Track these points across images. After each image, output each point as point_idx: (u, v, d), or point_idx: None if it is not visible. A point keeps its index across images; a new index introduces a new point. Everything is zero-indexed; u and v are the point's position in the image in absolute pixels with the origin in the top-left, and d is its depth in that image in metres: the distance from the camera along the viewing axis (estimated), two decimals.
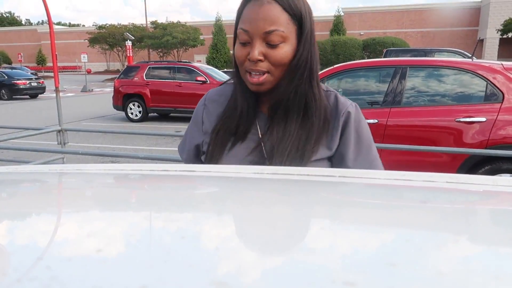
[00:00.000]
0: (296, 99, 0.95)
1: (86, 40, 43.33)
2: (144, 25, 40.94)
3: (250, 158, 0.96)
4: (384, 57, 12.58)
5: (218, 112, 1.03)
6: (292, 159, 0.92)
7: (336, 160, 0.98)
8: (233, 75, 1.01)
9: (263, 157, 0.96)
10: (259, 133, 0.98)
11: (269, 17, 0.88)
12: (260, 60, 0.90)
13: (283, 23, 0.89)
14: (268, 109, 0.99)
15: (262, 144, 0.96)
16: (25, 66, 40.60)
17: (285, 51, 0.91)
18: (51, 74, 36.36)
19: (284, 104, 0.95)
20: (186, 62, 12.19)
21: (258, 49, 0.90)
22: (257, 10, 0.89)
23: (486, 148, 3.46)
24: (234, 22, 0.96)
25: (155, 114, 11.63)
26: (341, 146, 0.97)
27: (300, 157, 0.93)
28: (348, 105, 0.99)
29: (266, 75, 0.92)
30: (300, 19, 0.92)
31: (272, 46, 0.90)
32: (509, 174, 3.47)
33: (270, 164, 0.93)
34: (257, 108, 1.00)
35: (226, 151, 0.97)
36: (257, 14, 0.89)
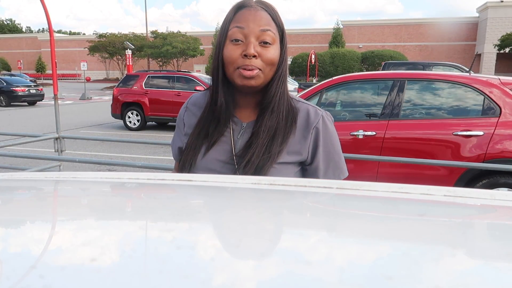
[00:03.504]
0: (282, 104, 1.03)
1: (86, 48, 43.51)
2: (144, 35, 41.18)
3: (222, 160, 1.03)
4: (383, 69, 12.68)
5: (198, 115, 1.09)
6: (260, 160, 0.99)
7: (310, 171, 1.06)
8: (213, 78, 1.05)
9: (233, 160, 1.02)
10: (232, 136, 1.05)
11: (265, 19, 1.00)
12: (255, 56, 0.98)
13: (273, 28, 1.01)
14: (245, 114, 1.07)
15: (233, 147, 1.03)
16: (25, 73, 40.68)
17: (274, 51, 1.01)
18: (50, 81, 36.42)
19: (271, 106, 1.02)
20: (185, 71, 12.23)
21: (253, 45, 0.97)
22: (253, 12, 1.00)
23: (483, 162, 3.47)
24: (224, 27, 1.03)
25: (153, 123, 11.63)
26: (314, 159, 1.05)
27: (267, 159, 1.00)
28: (318, 119, 1.06)
29: (258, 71, 0.99)
30: (282, 32, 1.04)
31: (264, 46, 0.99)
32: (506, 188, 3.48)
33: (239, 166, 1.00)
34: (234, 111, 1.06)
35: (201, 154, 1.03)
36: (253, 16, 0.99)
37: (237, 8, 1.02)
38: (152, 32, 41.73)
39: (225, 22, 1.03)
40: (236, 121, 1.06)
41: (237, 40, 0.98)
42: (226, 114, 1.04)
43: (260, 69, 0.99)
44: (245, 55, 0.97)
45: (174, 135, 1.15)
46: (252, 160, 0.98)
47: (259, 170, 0.98)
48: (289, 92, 1.08)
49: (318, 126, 1.05)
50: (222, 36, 1.03)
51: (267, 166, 0.98)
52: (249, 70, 0.97)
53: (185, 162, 1.04)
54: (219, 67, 1.03)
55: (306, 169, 1.06)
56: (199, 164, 1.02)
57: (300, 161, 1.04)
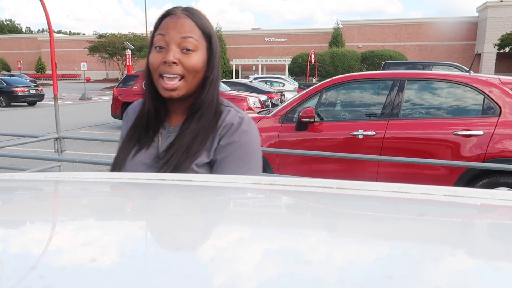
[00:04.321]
0: (210, 109, 1.04)
1: (86, 49, 43.53)
2: (144, 35, 41.18)
3: (147, 163, 1.04)
4: (382, 69, 12.67)
5: (134, 119, 1.11)
6: (178, 161, 1.00)
7: (213, 168, 1.04)
8: (144, 84, 1.08)
9: (157, 163, 1.03)
10: (160, 140, 1.06)
11: (185, 26, 1.01)
12: (175, 63, 0.99)
13: (196, 35, 1.02)
14: (176, 119, 1.08)
15: (158, 150, 1.04)
16: (24, 74, 40.68)
17: (197, 58, 1.01)
18: (50, 81, 36.39)
19: (200, 112, 1.03)
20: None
21: (173, 53, 0.99)
22: (175, 20, 1.01)
23: (483, 161, 3.47)
24: (151, 35, 1.06)
25: None
26: (215, 154, 1.04)
27: (185, 159, 1.00)
28: (232, 120, 1.04)
29: (180, 81, 1.00)
30: (210, 39, 1.05)
31: (186, 53, 1.00)
32: (506, 188, 3.48)
33: (160, 169, 1.00)
34: (165, 117, 1.08)
35: (129, 158, 1.05)
36: (174, 24, 1.01)
37: (163, 16, 1.04)
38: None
39: (154, 29, 1.05)
40: (165, 126, 1.08)
41: (160, 48, 1.00)
42: (155, 120, 1.07)
43: (182, 76, 1.00)
44: (165, 62, 0.98)
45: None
46: (171, 160, 0.99)
47: (176, 170, 0.98)
48: (221, 96, 1.09)
49: (228, 124, 1.03)
50: (150, 43, 1.05)
51: (184, 166, 0.98)
52: (170, 81, 0.99)
53: (116, 165, 1.07)
54: (147, 74, 1.06)
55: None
56: (127, 166, 1.05)
57: (209, 162, 1.04)
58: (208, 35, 1.04)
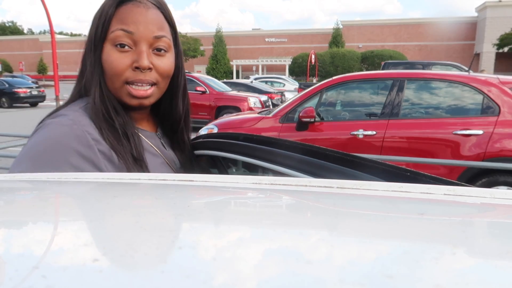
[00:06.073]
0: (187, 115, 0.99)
1: None
2: None
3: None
4: (382, 69, 12.67)
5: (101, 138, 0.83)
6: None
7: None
8: (96, 91, 0.81)
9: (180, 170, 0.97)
10: (157, 150, 0.91)
11: (158, 21, 0.81)
12: (149, 69, 0.81)
13: (167, 32, 0.84)
14: (147, 124, 0.94)
15: (167, 160, 0.94)
16: (26, 75, 40.72)
17: (171, 61, 0.85)
18: (52, 83, 36.39)
19: (183, 123, 0.97)
20: (186, 72, 12.25)
21: (147, 56, 0.80)
22: (144, 12, 0.79)
23: (483, 160, 3.47)
24: (100, 24, 0.81)
25: None
26: None
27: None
28: None
29: (154, 87, 0.83)
30: (175, 33, 0.88)
31: (158, 54, 0.82)
32: (506, 187, 3.48)
33: None
34: (139, 127, 0.91)
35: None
36: (145, 17, 0.79)
37: (120, 1, 0.80)
38: None
39: (103, 17, 0.80)
40: (149, 134, 0.93)
41: (123, 46, 0.79)
42: (132, 129, 0.86)
43: (155, 83, 0.83)
44: (137, 67, 0.79)
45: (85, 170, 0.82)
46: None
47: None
48: None
49: None
50: (100, 35, 0.81)
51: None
52: (143, 88, 0.81)
53: None
54: (100, 76, 0.81)
55: None
56: None
57: None
58: (175, 29, 0.87)
